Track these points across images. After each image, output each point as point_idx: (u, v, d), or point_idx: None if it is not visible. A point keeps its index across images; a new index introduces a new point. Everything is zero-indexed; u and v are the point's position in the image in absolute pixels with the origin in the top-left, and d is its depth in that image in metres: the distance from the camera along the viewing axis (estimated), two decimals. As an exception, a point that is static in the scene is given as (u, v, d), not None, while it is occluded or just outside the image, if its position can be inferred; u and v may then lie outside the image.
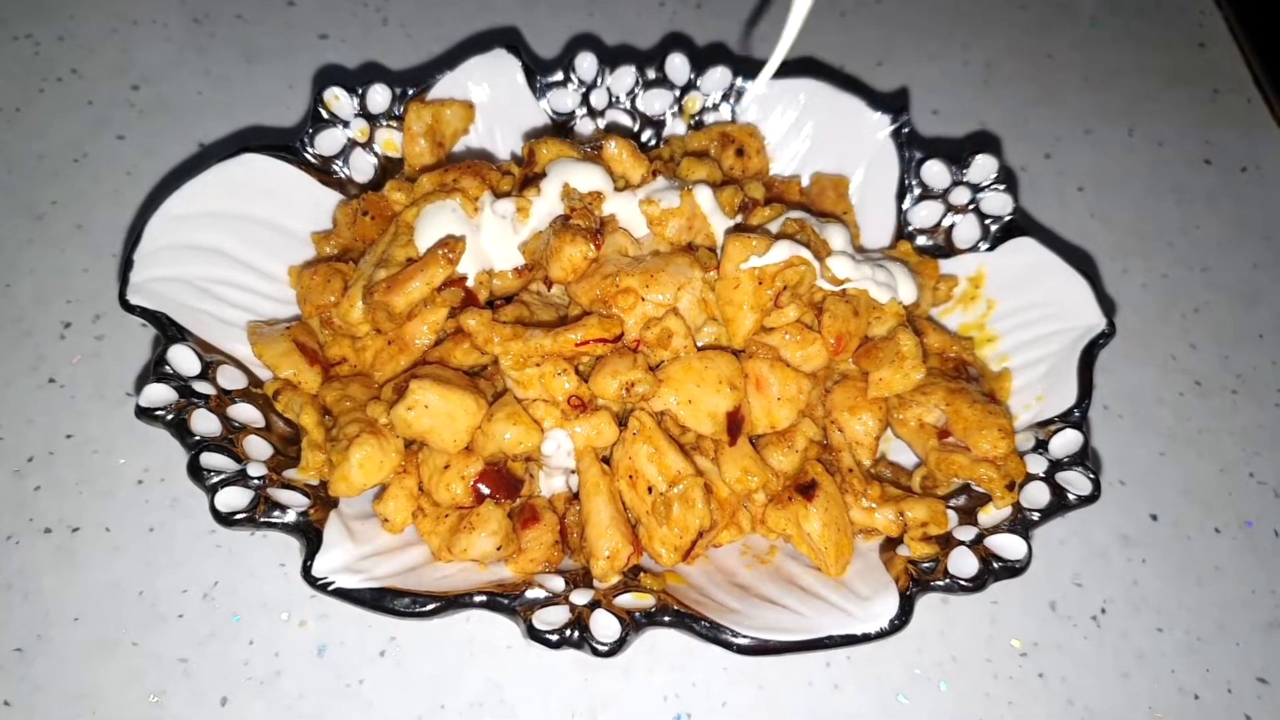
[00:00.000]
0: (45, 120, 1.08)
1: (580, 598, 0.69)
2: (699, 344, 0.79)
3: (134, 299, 0.77)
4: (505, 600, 0.68)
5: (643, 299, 0.76)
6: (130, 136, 1.08)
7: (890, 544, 0.77)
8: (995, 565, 0.71)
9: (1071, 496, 0.73)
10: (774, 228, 0.81)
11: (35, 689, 0.76)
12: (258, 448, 0.74)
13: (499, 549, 0.72)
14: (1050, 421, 0.78)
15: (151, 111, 1.10)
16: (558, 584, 0.71)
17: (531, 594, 0.69)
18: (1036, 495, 0.74)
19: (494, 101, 0.95)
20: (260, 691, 0.76)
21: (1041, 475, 0.75)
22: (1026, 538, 0.71)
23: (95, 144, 1.07)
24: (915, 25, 1.29)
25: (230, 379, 0.78)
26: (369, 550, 0.72)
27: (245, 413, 0.76)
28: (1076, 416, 0.77)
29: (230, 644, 0.78)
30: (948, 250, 0.91)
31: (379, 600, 0.68)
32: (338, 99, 0.89)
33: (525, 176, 0.83)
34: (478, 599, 0.68)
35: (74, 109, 1.10)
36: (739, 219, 0.83)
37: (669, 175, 0.84)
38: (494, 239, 0.80)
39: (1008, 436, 0.75)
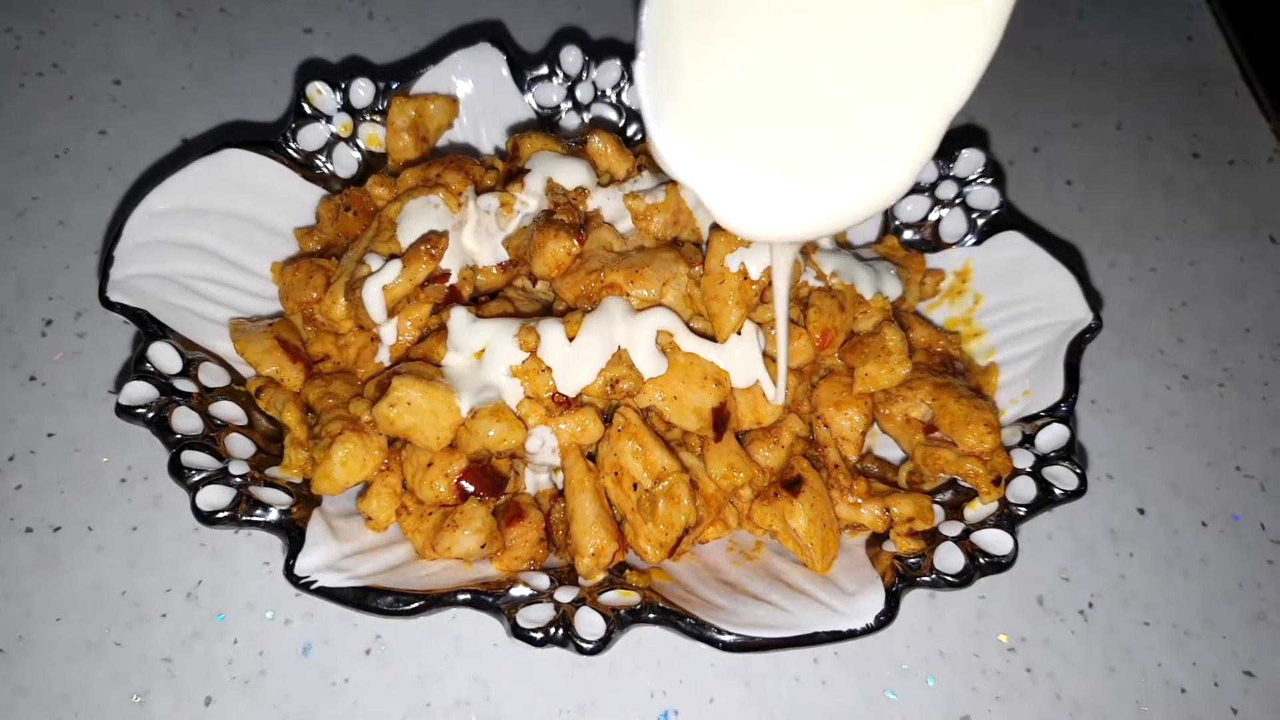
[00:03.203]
0: (27, 115, 1.07)
1: (565, 595, 0.69)
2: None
3: (114, 296, 0.76)
4: (489, 598, 0.68)
5: (628, 294, 0.75)
6: (112, 131, 1.07)
7: (876, 539, 0.76)
8: (981, 560, 0.70)
9: (1058, 491, 0.73)
10: None
11: (17, 690, 0.75)
12: (240, 446, 0.74)
13: (483, 547, 0.71)
14: (1037, 416, 0.78)
15: (134, 106, 1.09)
16: (542, 581, 0.71)
17: (516, 592, 0.69)
18: (1023, 490, 0.74)
19: (478, 95, 0.94)
20: (245, 691, 0.76)
21: (1028, 470, 0.74)
22: (1013, 533, 0.71)
23: (77, 139, 1.06)
24: (903, 18, 1.28)
25: (212, 376, 0.77)
26: (352, 548, 0.71)
27: (227, 410, 0.76)
28: (1063, 411, 0.77)
29: (214, 643, 0.78)
30: (935, 245, 0.91)
31: (362, 599, 0.67)
32: (320, 94, 0.88)
33: (509, 171, 0.83)
34: (462, 597, 0.68)
35: (55, 104, 1.09)
36: None
37: (654, 170, 0.83)
38: (478, 234, 0.79)
39: (994, 431, 0.75)
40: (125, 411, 0.71)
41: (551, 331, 0.73)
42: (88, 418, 0.88)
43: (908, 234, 0.92)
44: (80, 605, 0.79)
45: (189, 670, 0.77)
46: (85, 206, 1.01)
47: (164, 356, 0.75)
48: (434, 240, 0.75)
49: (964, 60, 0.54)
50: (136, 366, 0.73)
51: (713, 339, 0.76)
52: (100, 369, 0.91)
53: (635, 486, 0.73)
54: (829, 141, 0.56)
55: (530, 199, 0.79)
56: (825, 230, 0.60)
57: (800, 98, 0.55)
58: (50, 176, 1.03)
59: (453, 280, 0.78)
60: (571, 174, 0.79)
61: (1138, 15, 1.32)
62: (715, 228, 0.77)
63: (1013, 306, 0.85)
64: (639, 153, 0.86)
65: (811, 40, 0.54)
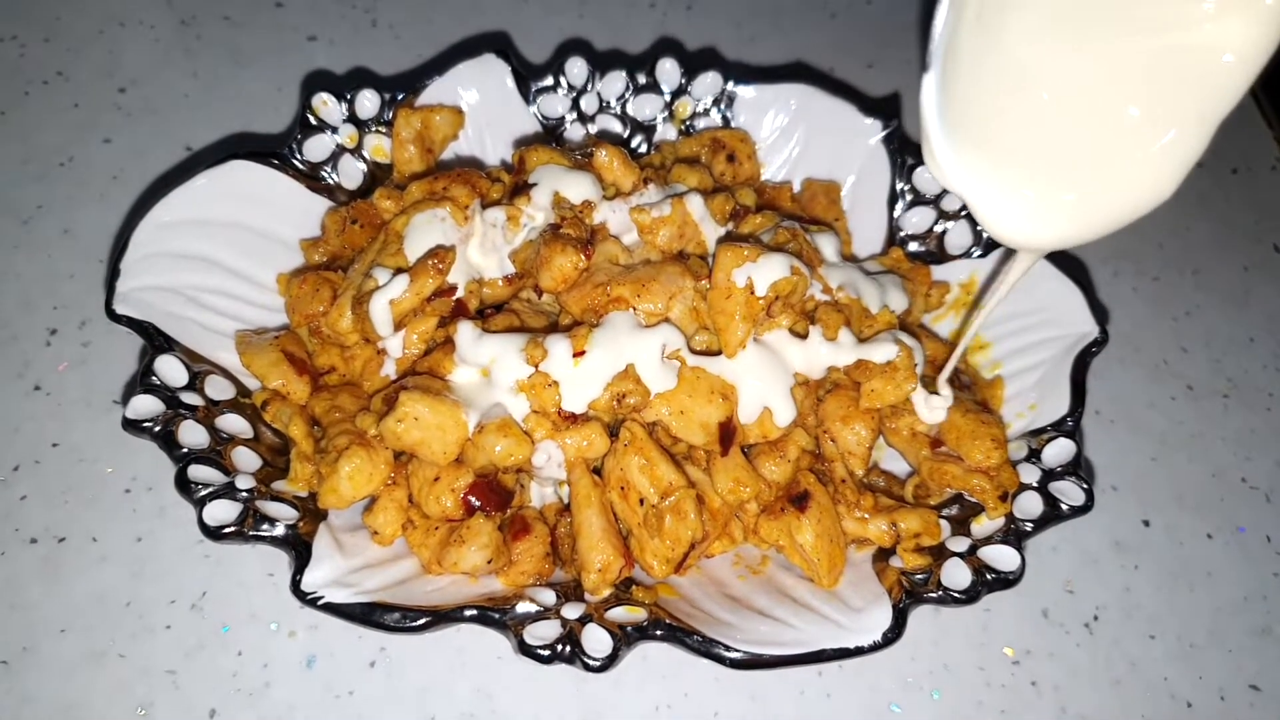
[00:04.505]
0: (31, 123, 1.07)
1: (572, 611, 0.69)
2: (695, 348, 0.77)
3: (120, 308, 0.76)
4: (496, 615, 0.68)
5: (634, 308, 0.75)
6: (117, 140, 1.07)
7: (883, 555, 0.76)
8: (988, 576, 0.70)
9: (1064, 506, 0.73)
10: (766, 236, 0.81)
11: (22, 701, 0.75)
12: (246, 459, 0.74)
13: (489, 562, 0.71)
14: (1043, 430, 0.78)
15: (139, 114, 1.09)
16: (549, 597, 0.71)
17: (522, 608, 0.69)
18: (1029, 505, 0.74)
19: (484, 107, 0.94)
20: (249, 703, 0.76)
21: (1034, 485, 0.74)
22: (1019, 549, 0.71)
23: (82, 147, 1.06)
24: (906, 26, 1.28)
25: (218, 389, 0.77)
26: (358, 563, 0.71)
27: (233, 423, 0.76)
28: (1069, 425, 0.77)
29: (219, 655, 0.78)
30: (940, 256, 0.91)
31: (369, 615, 0.67)
32: (326, 105, 0.88)
33: (515, 184, 0.82)
34: (468, 613, 0.68)
35: (60, 112, 1.08)
36: (730, 227, 0.82)
37: (660, 183, 0.83)
38: (484, 247, 0.79)
39: (1000, 447, 0.75)
40: (132, 425, 0.71)
41: (558, 346, 0.73)
42: (92, 428, 0.88)
43: (913, 245, 0.92)
44: (85, 616, 0.79)
45: (193, 682, 0.76)
46: (90, 215, 1.01)
47: (170, 369, 0.75)
48: (441, 254, 0.75)
49: (1236, 50, 0.52)
50: (143, 380, 0.73)
51: (719, 354, 0.76)
52: (105, 378, 0.91)
53: (641, 501, 0.73)
54: (1101, 154, 0.57)
55: (536, 212, 0.79)
56: (1090, 238, 0.61)
57: (1077, 110, 0.57)
58: (54, 185, 1.03)
59: (459, 294, 0.77)
60: (577, 187, 0.79)
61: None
62: (721, 242, 0.77)
63: (1018, 319, 0.85)
64: (644, 166, 0.86)
65: (1086, 54, 0.55)
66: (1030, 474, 0.75)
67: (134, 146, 1.06)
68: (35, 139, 1.06)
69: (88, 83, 1.11)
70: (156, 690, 0.76)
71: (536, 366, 0.73)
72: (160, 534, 0.83)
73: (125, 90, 1.12)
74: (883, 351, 0.76)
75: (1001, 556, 0.71)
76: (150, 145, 1.07)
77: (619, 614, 0.69)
